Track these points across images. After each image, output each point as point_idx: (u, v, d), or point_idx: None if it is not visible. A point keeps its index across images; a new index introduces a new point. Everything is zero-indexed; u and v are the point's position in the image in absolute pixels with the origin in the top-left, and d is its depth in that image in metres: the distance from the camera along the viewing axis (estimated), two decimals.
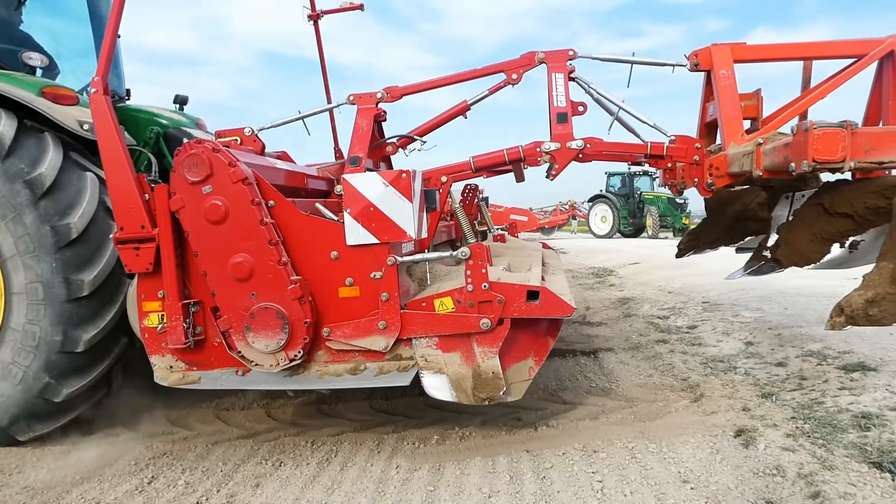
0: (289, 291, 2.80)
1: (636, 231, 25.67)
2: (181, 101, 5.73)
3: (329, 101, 8.32)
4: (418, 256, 2.86)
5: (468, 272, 2.80)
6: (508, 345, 2.90)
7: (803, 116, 4.74)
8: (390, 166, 5.07)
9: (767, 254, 4.37)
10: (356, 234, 2.81)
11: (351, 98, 4.66)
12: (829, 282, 8.76)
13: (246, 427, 3.73)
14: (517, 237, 6.48)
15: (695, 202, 27.10)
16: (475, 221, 5.83)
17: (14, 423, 3.47)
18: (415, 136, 4.63)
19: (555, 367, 4.81)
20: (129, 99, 5.54)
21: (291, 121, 4.76)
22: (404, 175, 2.77)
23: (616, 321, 6.71)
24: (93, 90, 2.95)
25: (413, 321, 2.84)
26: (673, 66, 4.22)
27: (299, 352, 2.84)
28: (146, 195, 2.93)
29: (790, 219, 4.26)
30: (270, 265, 2.81)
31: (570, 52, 4.32)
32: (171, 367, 3.03)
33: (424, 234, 3.02)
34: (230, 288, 2.86)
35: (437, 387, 2.86)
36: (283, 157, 5.35)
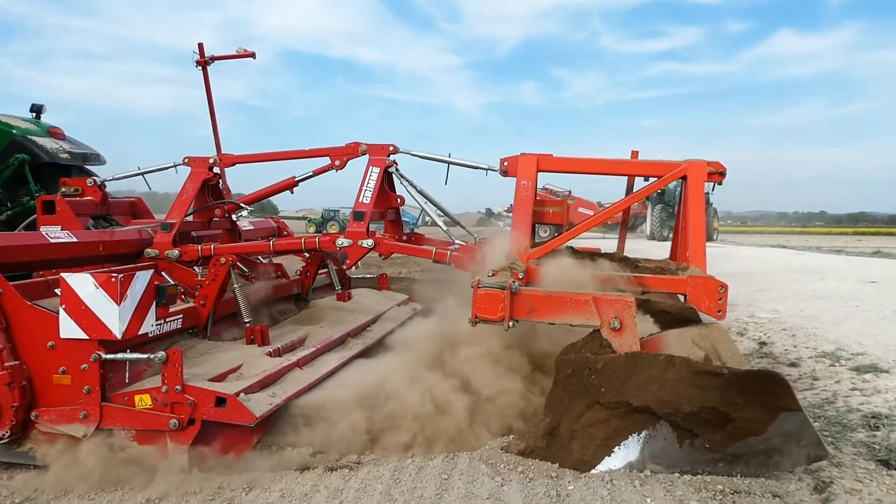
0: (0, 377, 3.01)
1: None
2: (37, 109, 5.95)
3: (218, 148, 8.57)
4: (120, 355, 3.06)
5: (164, 374, 3.01)
6: (208, 440, 3.10)
7: (624, 223, 4.91)
8: (232, 226, 5.27)
9: None
10: (69, 328, 3.01)
11: (186, 160, 4.88)
12: (846, 285, 8.60)
13: None
14: (387, 289, 6.62)
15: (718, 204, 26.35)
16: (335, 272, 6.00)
17: None
18: (241, 205, 4.86)
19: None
20: None
21: (132, 175, 4.97)
22: (113, 279, 2.97)
23: None
24: None
25: (113, 414, 3.05)
26: (486, 169, 4.27)
27: (7, 432, 3.05)
28: None
29: None
30: None
31: (391, 148, 4.51)
32: None
33: (149, 329, 3.23)
34: None
35: None
36: (137, 202, 5.57)
